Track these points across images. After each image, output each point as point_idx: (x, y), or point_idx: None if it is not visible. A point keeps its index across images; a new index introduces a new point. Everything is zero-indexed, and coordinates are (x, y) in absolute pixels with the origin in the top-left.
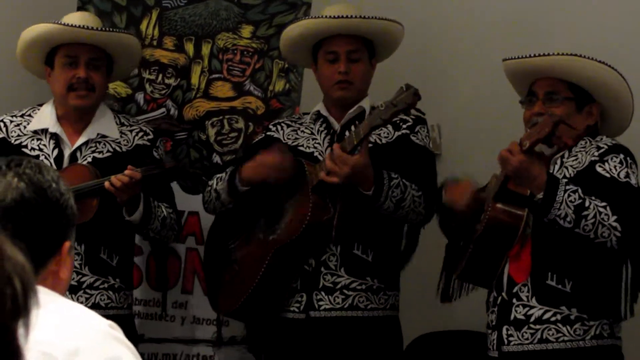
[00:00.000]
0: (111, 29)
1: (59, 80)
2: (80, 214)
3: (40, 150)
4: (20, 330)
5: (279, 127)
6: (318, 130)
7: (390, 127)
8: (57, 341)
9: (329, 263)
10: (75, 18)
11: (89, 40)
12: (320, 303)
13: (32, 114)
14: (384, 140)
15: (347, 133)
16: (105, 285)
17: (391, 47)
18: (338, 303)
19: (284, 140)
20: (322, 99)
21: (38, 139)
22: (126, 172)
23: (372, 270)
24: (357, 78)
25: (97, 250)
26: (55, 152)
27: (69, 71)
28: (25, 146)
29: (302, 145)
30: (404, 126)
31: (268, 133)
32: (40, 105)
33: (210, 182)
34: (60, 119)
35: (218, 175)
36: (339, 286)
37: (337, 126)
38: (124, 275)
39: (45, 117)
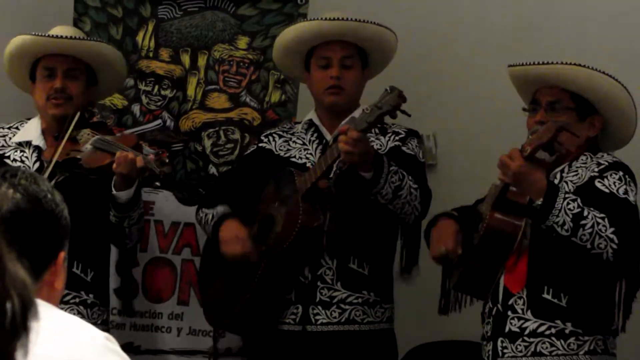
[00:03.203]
0: (81, 38)
1: (39, 92)
2: (92, 159)
3: (22, 162)
4: (19, 352)
5: (270, 138)
6: (310, 140)
7: (383, 138)
8: (53, 354)
9: (325, 277)
10: (56, 31)
11: (63, 50)
12: (317, 317)
13: (19, 126)
14: None
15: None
16: (77, 300)
17: (384, 57)
18: (335, 317)
19: (276, 151)
20: (314, 107)
21: (21, 151)
22: (137, 153)
23: (368, 284)
24: (348, 85)
25: (70, 265)
26: (37, 164)
27: (47, 83)
28: (8, 157)
29: (295, 157)
30: (397, 138)
31: (260, 144)
32: (29, 119)
33: (200, 213)
34: (44, 132)
35: (207, 212)
36: (335, 300)
37: (329, 137)
38: (98, 291)
39: (31, 131)
